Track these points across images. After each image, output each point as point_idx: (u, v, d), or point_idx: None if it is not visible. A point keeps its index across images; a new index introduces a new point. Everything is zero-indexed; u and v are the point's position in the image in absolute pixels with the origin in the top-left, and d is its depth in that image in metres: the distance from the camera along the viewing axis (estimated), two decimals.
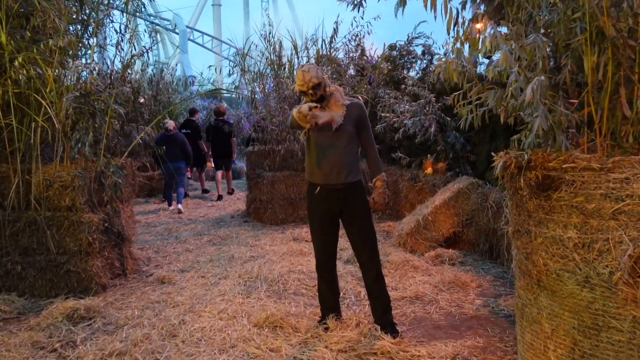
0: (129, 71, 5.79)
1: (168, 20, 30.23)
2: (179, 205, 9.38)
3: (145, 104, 8.49)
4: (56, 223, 4.58)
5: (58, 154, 4.69)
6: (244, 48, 8.33)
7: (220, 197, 11.00)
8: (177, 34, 30.03)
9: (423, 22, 8.58)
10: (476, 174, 6.65)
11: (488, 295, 4.43)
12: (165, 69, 13.10)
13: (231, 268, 5.40)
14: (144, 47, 5.62)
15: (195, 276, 5.17)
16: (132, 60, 5.46)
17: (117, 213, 5.09)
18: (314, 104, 3.22)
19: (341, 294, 4.23)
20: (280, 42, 8.54)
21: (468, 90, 3.02)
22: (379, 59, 9.47)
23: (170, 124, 9.68)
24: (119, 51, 5.32)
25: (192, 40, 33.58)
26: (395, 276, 4.97)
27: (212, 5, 40.98)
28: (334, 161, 3.43)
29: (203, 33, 34.48)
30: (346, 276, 5.00)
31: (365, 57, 9.55)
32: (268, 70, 8.48)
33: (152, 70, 12.81)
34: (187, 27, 31.94)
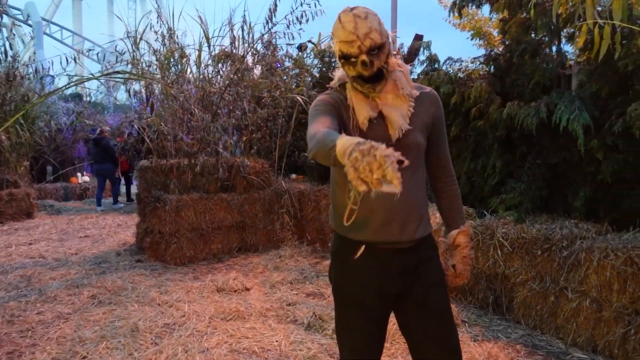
0: None
1: (19, 10, 25.95)
2: (119, 204, 10.99)
3: None
4: None
5: None
6: (136, 33, 6.30)
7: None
8: (31, 26, 25.86)
9: None
10: None
11: None
12: (18, 61, 10.29)
13: (140, 352, 3.47)
14: None
15: None
16: None
17: None
18: (398, 154, 1.23)
19: None
20: (172, 31, 6.65)
21: None
22: (298, 56, 7.97)
23: (101, 127, 10.96)
24: None
25: (49, 35, 29.32)
26: (395, 350, 3.41)
27: None
28: (394, 201, 1.77)
29: (62, 27, 30.29)
30: None
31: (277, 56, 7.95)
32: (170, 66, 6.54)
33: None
34: (43, 19, 27.78)
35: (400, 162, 1.22)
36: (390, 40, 1.78)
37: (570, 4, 2.30)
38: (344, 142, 1.31)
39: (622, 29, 2.90)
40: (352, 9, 1.69)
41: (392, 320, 1.95)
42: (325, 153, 1.43)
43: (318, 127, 1.60)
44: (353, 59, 1.71)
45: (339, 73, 1.92)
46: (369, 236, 1.80)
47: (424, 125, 1.87)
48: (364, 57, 1.69)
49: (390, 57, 1.81)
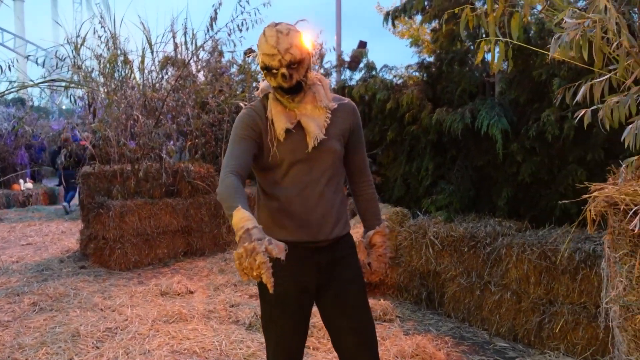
0: None
1: None
2: (64, 203, 10.96)
3: None
4: None
5: None
6: (77, 38, 6.26)
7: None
8: None
9: (302, 20, 7.35)
10: (383, 199, 5.57)
11: None
12: None
13: (80, 356, 3.51)
14: None
15: None
16: None
17: None
18: (279, 249, 1.57)
19: None
20: (115, 37, 6.65)
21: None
22: (244, 61, 8.08)
23: (65, 135, 10.83)
24: None
25: None
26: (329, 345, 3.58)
27: None
28: (312, 202, 1.96)
29: (3, 30, 29.29)
30: None
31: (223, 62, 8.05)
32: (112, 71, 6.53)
33: None
34: None
35: (278, 259, 1.54)
36: (310, 56, 1.96)
37: (478, 21, 2.54)
38: (237, 221, 1.61)
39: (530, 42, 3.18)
40: (276, 24, 1.86)
41: None
42: (226, 214, 1.73)
43: (225, 179, 1.88)
44: (274, 71, 1.87)
45: (263, 84, 2.08)
46: (290, 235, 1.96)
47: (341, 133, 2.04)
48: (283, 70, 1.85)
49: (310, 71, 1.98)
